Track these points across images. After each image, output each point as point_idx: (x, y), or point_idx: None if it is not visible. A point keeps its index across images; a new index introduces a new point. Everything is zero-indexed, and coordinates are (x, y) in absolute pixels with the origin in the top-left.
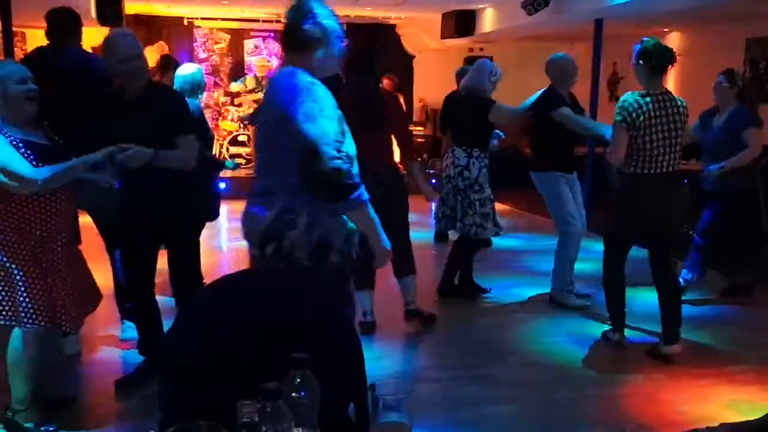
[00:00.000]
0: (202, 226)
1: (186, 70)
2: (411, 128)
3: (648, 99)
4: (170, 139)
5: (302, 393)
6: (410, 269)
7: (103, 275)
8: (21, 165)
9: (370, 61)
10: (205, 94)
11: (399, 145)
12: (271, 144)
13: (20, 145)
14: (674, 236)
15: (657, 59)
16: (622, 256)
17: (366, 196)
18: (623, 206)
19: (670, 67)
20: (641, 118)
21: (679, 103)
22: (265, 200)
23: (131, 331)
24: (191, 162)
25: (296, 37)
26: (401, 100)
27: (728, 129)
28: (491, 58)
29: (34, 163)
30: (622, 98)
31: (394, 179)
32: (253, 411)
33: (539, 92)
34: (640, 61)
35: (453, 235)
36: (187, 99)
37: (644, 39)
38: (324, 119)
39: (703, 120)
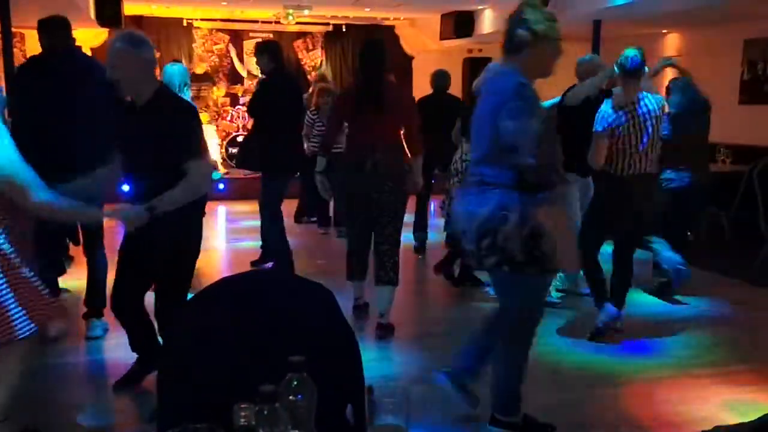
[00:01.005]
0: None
1: (174, 65)
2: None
3: (623, 108)
4: (178, 155)
5: (299, 396)
6: (394, 279)
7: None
8: (28, 174)
9: (382, 55)
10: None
11: (405, 135)
12: (482, 139)
13: None
14: (638, 234)
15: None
16: (596, 248)
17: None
18: (598, 205)
19: (642, 72)
20: (617, 126)
21: (651, 107)
22: (479, 197)
23: (99, 329)
24: (203, 189)
25: (510, 40)
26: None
27: None
28: (490, 60)
29: None
30: (601, 108)
31: (398, 166)
32: (250, 414)
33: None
34: (616, 70)
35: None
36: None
37: (626, 50)
38: (526, 118)
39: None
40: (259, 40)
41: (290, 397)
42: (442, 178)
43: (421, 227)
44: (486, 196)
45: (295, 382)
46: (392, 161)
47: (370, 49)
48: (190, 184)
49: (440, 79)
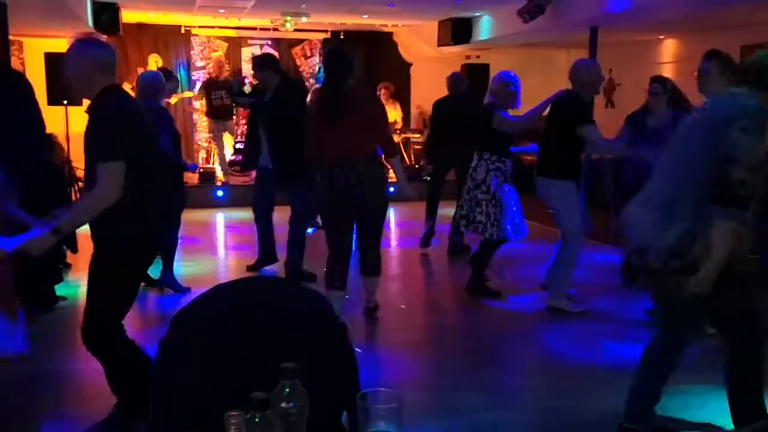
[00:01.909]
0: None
1: (148, 72)
2: (408, 135)
3: None
4: (89, 157)
5: (291, 403)
6: (377, 270)
7: None
8: None
9: (346, 63)
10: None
11: (379, 142)
12: (683, 158)
13: None
14: None
15: None
16: None
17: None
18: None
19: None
20: None
21: None
22: (667, 219)
23: None
24: (112, 197)
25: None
26: (385, 102)
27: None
28: (488, 66)
29: None
30: None
31: (372, 169)
32: (241, 421)
33: (552, 97)
34: None
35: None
36: (146, 101)
37: None
38: (751, 136)
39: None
40: (257, 46)
41: (282, 405)
42: (453, 184)
43: (431, 216)
44: (672, 219)
45: (288, 390)
46: (367, 167)
47: (333, 57)
48: (92, 195)
49: (456, 83)
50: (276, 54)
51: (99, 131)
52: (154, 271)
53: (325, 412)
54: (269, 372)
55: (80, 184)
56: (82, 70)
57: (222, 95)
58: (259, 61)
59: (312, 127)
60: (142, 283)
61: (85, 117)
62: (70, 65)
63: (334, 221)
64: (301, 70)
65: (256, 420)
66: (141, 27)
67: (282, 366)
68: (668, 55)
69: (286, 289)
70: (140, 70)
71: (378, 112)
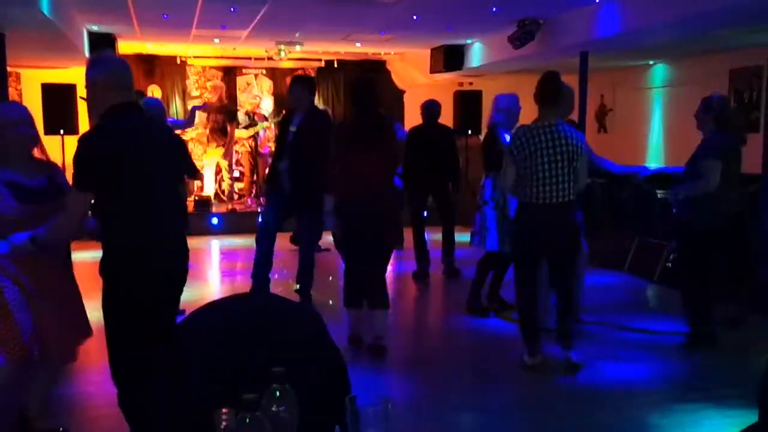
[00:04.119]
0: None
1: (151, 99)
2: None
3: (534, 131)
4: None
5: (282, 407)
6: (386, 302)
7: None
8: None
9: (375, 93)
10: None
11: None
12: None
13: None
14: (569, 265)
15: (537, 91)
16: (530, 274)
17: None
18: (517, 231)
19: (552, 97)
20: (525, 150)
21: (565, 135)
22: None
23: None
24: (73, 224)
25: None
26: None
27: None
28: (480, 93)
29: (10, 209)
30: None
31: (394, 196)
32: (231, 419)
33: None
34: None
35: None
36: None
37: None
38: None
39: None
40: (252, 75)
41: (273, 408)
42: (433, 209)
43: (423, 257)
44: None
45: (278, 393)
46: (389, 194)
47: (364, 86)
48: (60, 217)
49: (430, 109)
50: (270, 83)
51: (73, 156)
52: None
53: (316, 424)
54: (260, 381)
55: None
56: (87, 91)
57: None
58: (300, 80)
59: (341, 155)
60: None
61: None
62: (86, 86)
63: (357, 246)
64: None
65: (247, 420)
66: (138, 58)
67: (272, 370)
68: (658, 80)
69: (278, 305)
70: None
71: (396, 140)
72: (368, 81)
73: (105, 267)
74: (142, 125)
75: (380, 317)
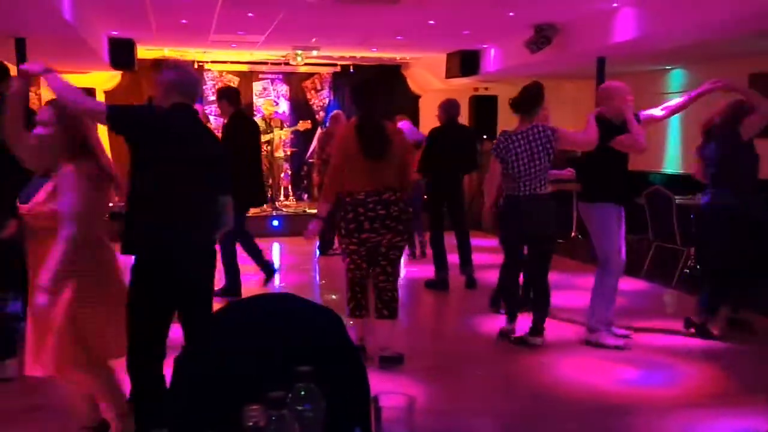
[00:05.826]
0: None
1: None
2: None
3: (514, 136)
4: None
5: (307, 405)
6: (395, 313)
7: None
8: None
9: (377, 95)
10: None
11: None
12: None
13: None
14: (546, 254)
15: (517, 102)
16: (514, 256)
17: None
18: (503, 219)
19: (534, 108)
20: (508, 153)
21: (538, 135)
22: None
23: None
24: (78, 104)
25: None
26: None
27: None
28: (496, 98)
29: None
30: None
31: (405, 203)
32: (260, 416)
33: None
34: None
35: None
36: None
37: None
38: None
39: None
40: (268, 80)
41: (298, 407)
42: (446, 216)
43: (443, 266)
44: None
45: (303, 392)
46: (399, 202)
47: (366, 89)
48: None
49: (449, 109)
50: (287, 88)
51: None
52: None
53: (336, 425)
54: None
55: None
56: (156, 90)
57: None
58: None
59: (343, 162)
60: None
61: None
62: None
63: (367, 253)
64: (311, 103)
65: (273, 418)
66: (155, 63)
67: (296, 369)
68: (676, 85)
69: (299, 306)
70: None
71: (406, 144)
72: (367, 83)
73: (124, 245)
74: (192, 123)
75: (387, 328)
